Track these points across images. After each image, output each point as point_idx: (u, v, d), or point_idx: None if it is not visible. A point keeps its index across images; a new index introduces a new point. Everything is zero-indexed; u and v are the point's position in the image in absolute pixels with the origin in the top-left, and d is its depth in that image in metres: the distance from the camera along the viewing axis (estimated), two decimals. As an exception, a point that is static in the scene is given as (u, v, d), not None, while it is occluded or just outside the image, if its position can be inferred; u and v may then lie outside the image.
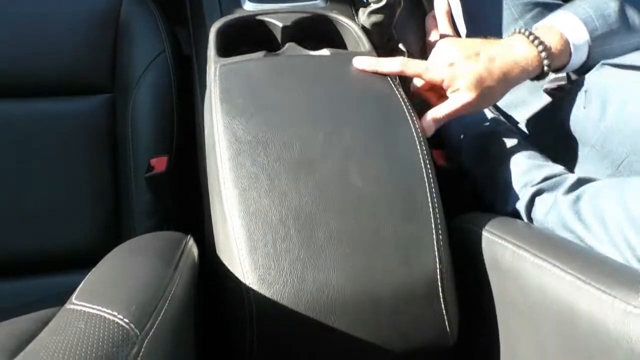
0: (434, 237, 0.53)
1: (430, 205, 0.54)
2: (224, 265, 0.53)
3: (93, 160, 0.82)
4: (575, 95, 0.64)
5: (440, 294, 0.52)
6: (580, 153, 0.63)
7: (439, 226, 0.53)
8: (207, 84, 0.64)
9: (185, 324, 0.47)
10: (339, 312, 0.50)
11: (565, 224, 0.54)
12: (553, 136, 0.67)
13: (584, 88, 0.63)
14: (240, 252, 0.51)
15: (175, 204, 0.78)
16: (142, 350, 0.33)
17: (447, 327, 0.52)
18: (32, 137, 0.81)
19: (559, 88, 0.70)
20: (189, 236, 0.56)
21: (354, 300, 0.50)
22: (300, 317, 0.49)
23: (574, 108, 0.64)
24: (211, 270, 0.58)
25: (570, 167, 0.63)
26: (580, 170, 0.62)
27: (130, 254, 0.49)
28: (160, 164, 0.74)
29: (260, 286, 0.50)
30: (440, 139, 0.78)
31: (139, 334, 0.34)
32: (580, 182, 0.57)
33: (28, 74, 0.82)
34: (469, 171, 0.71)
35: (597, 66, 0.64)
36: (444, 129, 0.77)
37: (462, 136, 0.72)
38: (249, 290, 0.50)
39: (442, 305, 0.52)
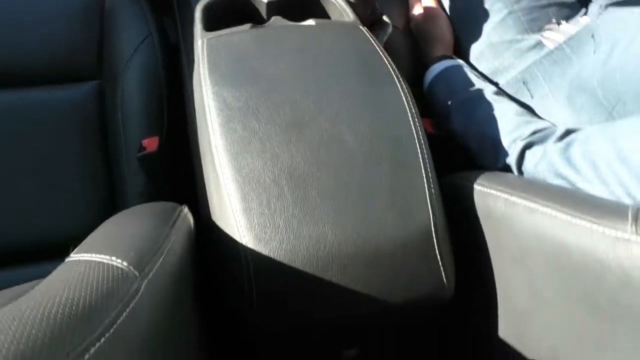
0: (426, 190, 0.53)
1: (420, 160, 0.55)
2: (219, 228, 0.53)
3: (84, 146, 0.82)
4: (580, 43, 0.65)
5: (435, 245, 0.52)
6: (575, 102, 0.63)
7: (430, 180, 0.54)
8: (195, 58, 0.64)
9: (184, 283, 0.47)
10: (336, 265, 0.50)
11: (556, 171, 0.55)
12: (544, 92, 0.68)
13: (589, 34, 0.64)
14: (236, 214, 0.51)
15: (168, 183, 0.79)
16: (142, 289, 0.34)
17: (444, 278, 0.53)
18: (22, 127, 0.81)
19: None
20: (184, 205, 0.56)
21: (351, 253, 0.50)
22: (298, 272, 0.50)
23: (580, 56, 0.65)
24: (207, 238, 0.58)
25: (562, 120, 0.64)
26: (573, 122, 0.63)
27: (126, 217, 0.49)
28: (151, 144, 0.75)
29: (256, 244, 0.50)
30: (427, 108, 0.79)
31: (137, 275, 0.35)
32: (570, 132, 0.57)
33: (15, 64, 0.82)
34: (457, 135, 0.72)
35: (600, 9, 0.64)
36: (431, 97, 0.78)
37: (449, 102, 0.73)
38: (246, 249, 0.50)
39: (438, 256, 0.52)
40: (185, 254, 0.49)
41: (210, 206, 0.56)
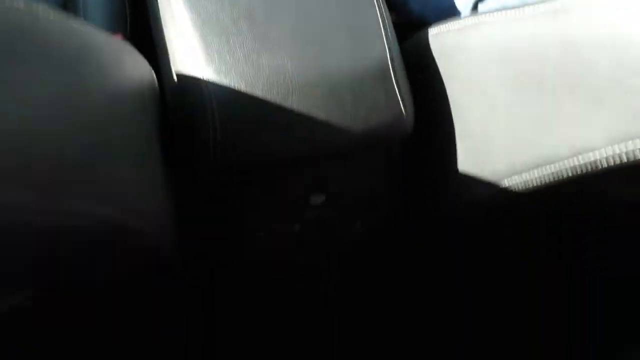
0: (381, 26, 0.55)
1: (375, 3, 0.57)
2: (180, 72, 0.54)
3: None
4: None
5: (392, 76, 0.54)
6: None
7: (385, 18, 0.56)
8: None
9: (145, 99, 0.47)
10: (296, 94, 0.51)
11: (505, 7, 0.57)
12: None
13: None
14: (195, 51, 0.52)
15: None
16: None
17: (402, 110, 0.54)
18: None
19: None
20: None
21: (310, 82, 0.52)
22: (259, 102, 0.51)
23: None
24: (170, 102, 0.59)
25: None
26: None
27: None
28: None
29: (217, 76, 0.51)
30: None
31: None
32: None
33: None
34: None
35: None
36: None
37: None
38: (207, 83, 0.51)
39: (395, 87, 0.54)
40: (148, 82, 0.50)
41: (170, 58, 0.57)
